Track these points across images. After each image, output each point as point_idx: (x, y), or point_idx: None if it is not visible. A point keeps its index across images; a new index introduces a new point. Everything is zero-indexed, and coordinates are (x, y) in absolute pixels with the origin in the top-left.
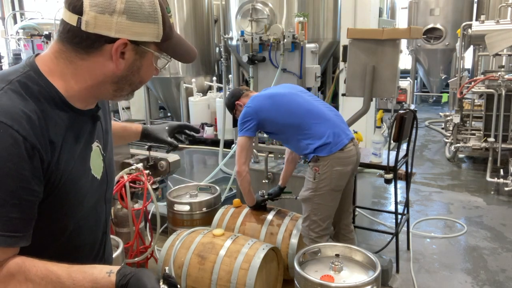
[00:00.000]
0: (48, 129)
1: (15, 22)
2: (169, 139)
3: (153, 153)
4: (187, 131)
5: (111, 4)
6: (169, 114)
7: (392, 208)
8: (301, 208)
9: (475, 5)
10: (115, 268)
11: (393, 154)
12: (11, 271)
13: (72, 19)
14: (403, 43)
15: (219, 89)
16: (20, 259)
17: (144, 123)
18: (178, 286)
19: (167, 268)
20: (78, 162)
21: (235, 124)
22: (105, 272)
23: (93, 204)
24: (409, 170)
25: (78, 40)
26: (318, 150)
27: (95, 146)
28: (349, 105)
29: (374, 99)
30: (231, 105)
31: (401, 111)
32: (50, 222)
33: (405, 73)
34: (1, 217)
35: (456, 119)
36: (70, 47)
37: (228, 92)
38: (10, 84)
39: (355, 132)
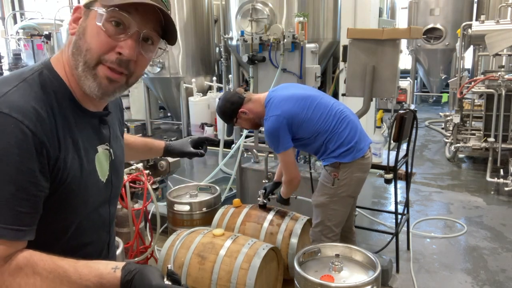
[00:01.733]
0: (57, 127)
1: (15, 22)
2: (194, 150)
3: None
4: (207, 142)
5: None
6: (169, 114)
7: (392, 208)
8: (301, 208)
9: (475, 5)
10: (120, 264)
11: (393, 154)
12: (19, 264)
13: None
14: (403, 43)
15: (219, 89)
16: (28, 253)
17: (144, 123)
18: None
19: (169, 265)
20: (84, 162)
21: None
22: (111, 267)
23: (97, 205)
24: (409, 170)
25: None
26: (342, 155)
27: (103, 149)
28: (349, 105)
29: (374, 99)
30: (231, 113)
31: (401, 111)
32: (54, 220)
33: (405, 73)
34: (10, 210)
35: (456, 119)
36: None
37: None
38: (24, 81)
39: None
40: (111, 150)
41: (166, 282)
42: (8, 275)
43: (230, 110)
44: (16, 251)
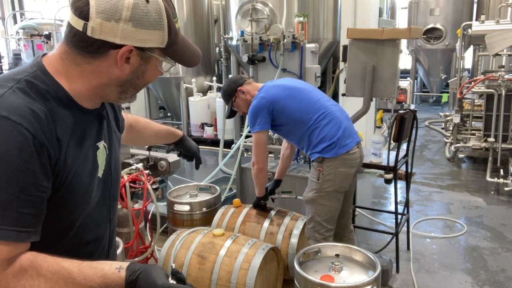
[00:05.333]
0: (55, 127)
1: (15, 22)
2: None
3: (153, 153)
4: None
5: (117, 11)
6: (169, 114)
7: (392, 208)
8: (301, 208)
9: (475, 5)
10: (124, 264)
11: (393, 154)
12: (23, 266)
13: (78, 24)
14: (403, 43)
15: (219, 89)
16: (32, 254)
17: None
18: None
19: (173, 265)
20: (85, 159)
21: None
22: (115, 267)
23: (98, 202)
24: (409, 170)
25: (84, 45)
26: (325, 151)
27: (101, 144)
28: (349, 105)
29: (374, 99)
30: (231, 91)
31: (401, 111)
32: (58, 218)
33: (405, 73)
34: (13, 212)
35: (456, 119)
36: (76, 50)
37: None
38: (18, 83)
39: None
40: (108, 145)
41: (171, 281)
42: (12, 277)
43: (230, 88)
44: (20, 253)
